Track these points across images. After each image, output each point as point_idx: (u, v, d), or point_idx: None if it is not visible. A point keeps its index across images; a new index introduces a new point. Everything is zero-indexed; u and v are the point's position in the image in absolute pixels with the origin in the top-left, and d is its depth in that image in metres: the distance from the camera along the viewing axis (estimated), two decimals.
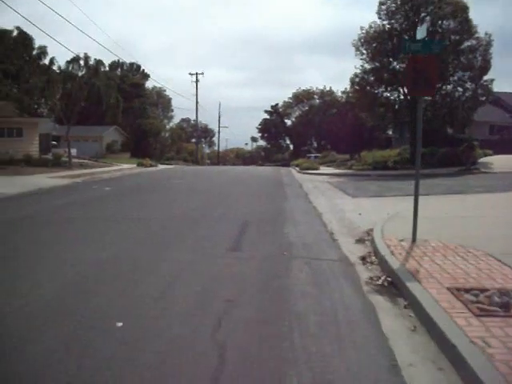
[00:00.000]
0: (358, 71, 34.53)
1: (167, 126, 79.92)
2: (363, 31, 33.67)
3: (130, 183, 23.77)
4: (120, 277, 6.53)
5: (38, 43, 34.15)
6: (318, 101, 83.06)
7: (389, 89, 33.97)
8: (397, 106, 34.82)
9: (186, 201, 15.66)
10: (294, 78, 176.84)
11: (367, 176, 28.00)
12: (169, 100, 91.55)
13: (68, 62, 36.09)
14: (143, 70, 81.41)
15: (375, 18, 33.98)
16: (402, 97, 34.14)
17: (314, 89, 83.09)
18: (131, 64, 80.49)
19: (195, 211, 13.08)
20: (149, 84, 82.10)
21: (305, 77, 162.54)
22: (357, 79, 34.69)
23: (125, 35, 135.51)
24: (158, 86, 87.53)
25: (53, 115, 41.00)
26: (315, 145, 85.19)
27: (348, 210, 13.46)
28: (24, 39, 29.76)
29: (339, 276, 6.74)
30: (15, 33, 29.38)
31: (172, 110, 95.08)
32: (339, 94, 74.94)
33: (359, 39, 33.91)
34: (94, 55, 48.46)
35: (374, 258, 7.82)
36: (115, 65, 78.63)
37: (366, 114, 37.65)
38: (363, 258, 7.78)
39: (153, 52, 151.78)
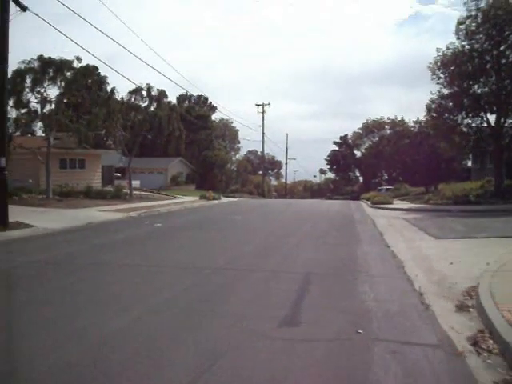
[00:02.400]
0: (435, 97, 31.77)
1: (233, 158, 78.87)
2: (440, 53, 30.99)
3: (185, 219, 21.99)
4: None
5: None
6: (388, 131, 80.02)
7: (470, 115, 30.91)
8: (479, 134, 31.65)
9: (240, 243, 13.49)
10: (364, 109, 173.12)
11: (448, 212, 25.00)
12: (236, 132, 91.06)
13: (130, 93, 35.51)
14: (210, 102, 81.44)
15: (445, 44, 31.33)
16: (485, 124, 31.03)
17: (385, 119, 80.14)
18: (199, 96, 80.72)
19: (247, 258, 10.87)
20: (216, 116, 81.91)
21: (374, 108, 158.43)
22: (433, 105, 31.86)
23: (193, 70, 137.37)
24: (225, 117, 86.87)
25: (119, 147, 40.53)
26: (386, 177, 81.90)
27: (435, 257, 10.93)
28: (84, 69, 29.02)
29: (446, 382, 4.36)
30: (75, 63, 28.62)
31: (239, 142, 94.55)
32: (411, 123, 71.71)
33: (435, 62, 31.21)
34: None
35: (490, 342, 5.35)
36: (183, 97, 79.11)
37: (443, 143, 34.51)
38: (475, 343, 5.31)
39: (221, 86, 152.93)
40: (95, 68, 30.96)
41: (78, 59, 28.92)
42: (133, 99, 35.90)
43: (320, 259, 10.61)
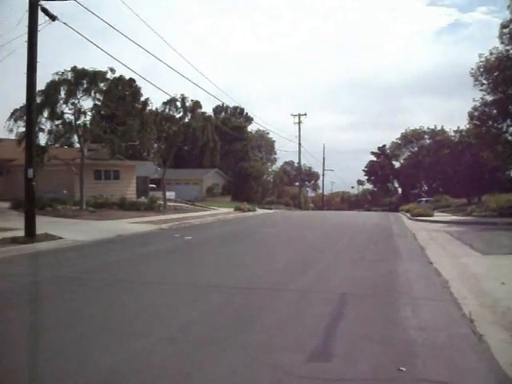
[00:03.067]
0: (478, 104, 30.43)
1: (270, 169, 78.20)
2: (482, 59, 29.70)
3: (217, 231, 21.38)
4: None
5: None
6: (428, 141, 78.10)
7: None
8: None
9: (271, 258, 12.70)
10: (402, 120, 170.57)
11: (493, 224, 23.69)
12: (272, 143, 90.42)
13: (164, 104, 35.25)
14: (246, 113, 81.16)
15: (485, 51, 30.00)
16: None
17: (425, 128, 78.24)
18: (234, 108, 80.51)
19: (277, 275, 10.05)
20: (252, 127, 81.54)
21: (413, 118, 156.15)
22: (476, 113, 30.55)
23: (231, 82, 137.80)
24: (261, 128, 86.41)
25: (154, 158, 40.43)
26: (425, 188, 79.92)
27: (483, 276, 9.96)
28: (118, 80, 28.87)
29: None
30: (109, 74, 28.49)
31: (275, 153, 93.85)
32: (451, 133, 69.83)
33: (478, 68, 29.91)
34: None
35: None
36: (219, 109, 79.09)
37: (486, 152, 33.03)
38: None
39: (257, 97, 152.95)
40: (132, 80, 30.93)
41: (112, 70, 28.82)
42: (167, 110, 35.63)
43: (357, 277, 9.75)
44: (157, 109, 35.56)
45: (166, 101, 35.25)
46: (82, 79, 28.12)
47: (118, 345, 5.46)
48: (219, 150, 38.43)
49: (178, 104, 35.57)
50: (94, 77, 28.03)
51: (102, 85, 29.06)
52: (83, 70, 28.07)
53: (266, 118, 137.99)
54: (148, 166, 45.47)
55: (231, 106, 78.69)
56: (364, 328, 6.15)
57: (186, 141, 36.60)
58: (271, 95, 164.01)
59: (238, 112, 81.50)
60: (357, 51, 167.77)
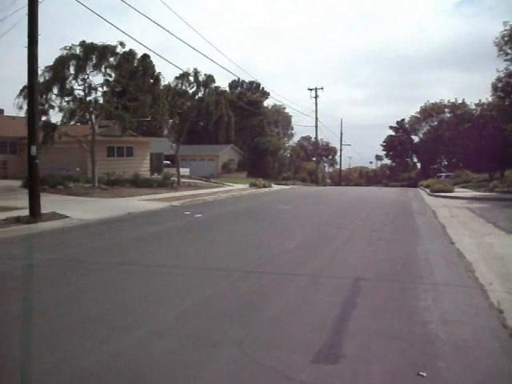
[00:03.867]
0: (502, 75, 29.20)
1: (286, 144, 77.14)
2: (507, 27, 28.36)
3: (230, 208, 20.72)
4: None
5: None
6: (448, 115, 76.35)
7: None
8: None
9: (284, 238, 11.96)
10: (421, 93, 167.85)
11: None
12: (289, 118, 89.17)
13: (177, 78, 34.38)
14: (262, 88, 79.91)
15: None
16: None
17: (446, 102, 76.38)
18: (250, 83, 79.34)
19: (287, 257, 9.38)
20: (268, 102, 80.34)
21: (433, 91, 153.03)
22: (500, 84, 29.32)
23: (246, 57, 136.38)
24: (278, 103, 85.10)
25: (170, 134, 39.72)
26: (445, 163, 78.47)
27: (510, 258, 9.22)
28: (128, 54, 28.05)
29: None
30: (119, 49, 27.68)
31: (292, 128, 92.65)
32: (473, 106, 68.10)
33: (502, 37, 28.62)
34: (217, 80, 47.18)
35: None
36: (235, 84, 78.04)
37: (510, 125, 31.78)
38: None
39: (274, 72, 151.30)
40: (146, 56, 30.15)
41: (122, 44, 27.96)
42: (180, 85, 34.79)
43: (373, 259, 9.03)
44: (169, 83, 34.84)
45: (178, 75, 34.41)
46: (91, 54, 27.28)
47: (95, 343, 4.84)
48: (233, 125, 37.52)
49: (191, 79, 34.65)
50: (104, 51, 27.18)
51: (111, 59, 28.29)
52: (92, 44, 27.24)
53: (282, 93, 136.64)
54: (163, 142, 44.91)
55: (247, 80, 77.62)
56: (379, 321, 5.46)
57: (200, 116, 35.85)
58: (287, 70, 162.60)
59: (254, 87, 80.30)
60: (372, 24, 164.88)
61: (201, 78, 34.84)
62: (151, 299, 6.48)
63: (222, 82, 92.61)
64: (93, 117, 29.02)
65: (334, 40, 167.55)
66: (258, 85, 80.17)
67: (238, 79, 74.57)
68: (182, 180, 36.40)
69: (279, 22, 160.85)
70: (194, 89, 35.13)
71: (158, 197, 24.77)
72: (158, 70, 31.21)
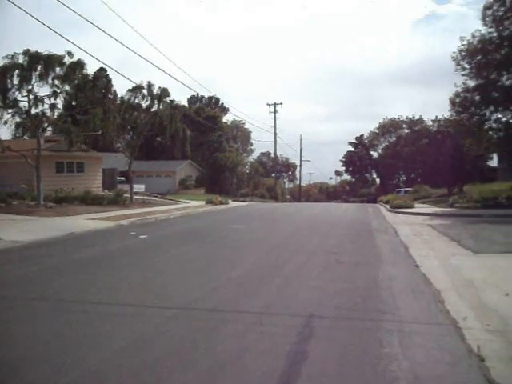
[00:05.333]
0: (460, 90, 28.81)
1: (245, 160, 76.09)
2: (464, 42, 28.06)
3: (180, 228, 19.39)
4: None
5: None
6: (406, 131, 77.05)
7: (500, 109, 27.91)
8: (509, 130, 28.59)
9: (230, 264, 10.69)
10: (381, 111, 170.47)
11: (478, 217, 22.08)
12: (248, 133, 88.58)
13: (130, 91, 32.99)
14: (222, 103, 79.12)
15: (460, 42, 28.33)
16: None
17: (404, 118, 77.06)
18: (210, 98, 78.48)
19: (232, 288, 8.12)
20: (228, 118, 79.51)
21: (392, 109, 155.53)
22: (458, 99, 28.92)
23: (205, 73, 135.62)
24: (237, 119, 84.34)
25: (125, 150, 38.04)
26: (404, 178, 78.95)
27: (481, 284, 8.23)
28: (75, 65, 26.58)
29: None
30: (66, 59, 26.21)
31: (251, 144, 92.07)
32: (430, 122, 68.80)
33: (460, 52, 28.26)
34: (174, 93, 45.95)
35: None
36: (194, 99, 76.95)
37: (469, 140, 31.44)
38: None
39: (234, 89, 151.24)
40: (102, 69, 28.93)
41: (70, 54, 26.49)
42: (133, 98, 33.38)
43: (329, 290, 7.84)
44: (122, 97, 33.44)
45: (131, 88, 33.05)
46: (35, 64, 25.78)
47: None
48: (189, 139, 36.39)
49: (145, 92, 33.36)
50: (49, 60, 25.72)
51: (58, 70, 26.79)
52: (37, 53, 25.70)
53: (242, 109, 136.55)
54: (118, 157, 43.26)
55: (206, 96, 76.74)
56: (332, 381, 4.30)
57: (153, 130, 34.56)
58: (247, 87, 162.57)
59: (214, 102, 79.58)
60: (332, 43, 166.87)
61: (155, 92, 33.63)
62: (41, 350, 5.14)
63: (181, 98, 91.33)
64: (38, 130, 27.35)
65: (294, 58, 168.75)
66: (218, 100, 79.56)
67: (197, 94, 73.63)
68: (136, 197, 34.88)
69: (241, 39, 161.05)
70: (148, 102, 33.86)
71: (106, 215, 23.26)
72: (116, 86, 30.05)
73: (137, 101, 33.41)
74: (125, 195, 32.51)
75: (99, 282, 8.72)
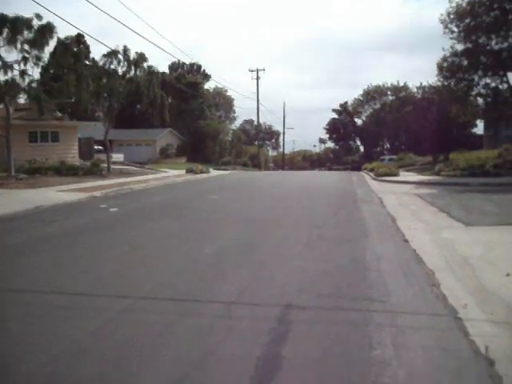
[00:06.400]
0: (447, 54, 27.86)
1: (228, 128, 74.57)
2: (453, 4, 26.99)
3: (155, 199, 18.35)
4: None
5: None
6: (391, 97, 76.06)
7: (489, 73, 27.02)
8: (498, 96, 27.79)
9: (202, 239, 9.79)
10: (365, 78, 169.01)
11: (466, 185, 21.40)
12: (231, 101, 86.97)
13: (104, 56, 31.39)
14: (204, 70, 77.14)
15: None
16: (505, 84, 27.22)
17: (389, 84, 75.95)
18: (191, 65, 76.40)
19: (201, 271, 7.18)
20: (210, 85, 77.70)
21: (376, 76, 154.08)
22: (445, 64, 27.97)
23: (189, 41, 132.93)
24: (219, 86, 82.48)
25: (105, 118, 36.53)
26: (388, 146, 78.34)
27: (477, 262, 7.43)
28: (44, 27, 25.03)
29: None
30: (35, 22, 24.66)
31: (234, 112, 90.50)
32: (414, 89, 67.98)
33: (448, 14, 27.24)
34: (157, 61, 44.23)
35: None
36: (175, 66, 74.86)
37: (455, 107, 30.56)
38: None
39: (217, 57, 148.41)
40: (80, 36, 27.48)
41: (38, 17, 24.95)
42: (108, 64, 31.81)
43: (311, 272, 6.95)
44: (96, 62, 31.88)
45: (106, 53, 31.48)
46: (1, 27, 24.23)
47: None
48: (167, 106, 35.03)
49: (121, 57, 31.81)
50: (16, 24, 24.15)
51: (26, 33, 25.27)
52: (2, 15, 24.13)
53: (224, 76, 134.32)
54: (97, 126, 41.74)
55: (187, 63, 74.73)
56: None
57: (130, 97, 33.17)
58: (230, 53, 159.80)
59: (195, 69, 77.53)
60: (318, 11, 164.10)
61: (132, 57, 32.09)
62: None
63: (163, 65, 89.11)
64: (7, 98, 25.90)
65: (278, 24, 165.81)
66: (200, 67, 77.54)
67: (179, 61, 71.73)
68: (114, 167, 33.72)
69: (224, 6, 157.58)
70: (124, 68, 32.35)
71: (80, 186, 22.21)
72: (97, 54, 28.65)
73: (112, 66, 31.92)
74: (102, 165, 31.39)
75: (55, 265, 7.74)
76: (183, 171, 36.48)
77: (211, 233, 10.64)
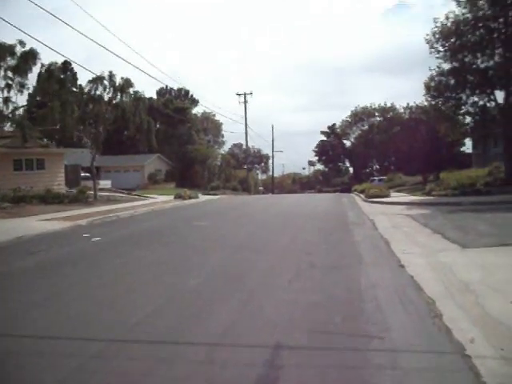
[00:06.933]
0: (434, 73, 27.80)
1: (216, 152, 74.26)
2: (438, 24, 27.04)
3: (142, 226, 17.80)
4: None
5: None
6: (378, 119, 76.37)
7: (476, 92, 26.92)
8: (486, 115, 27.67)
9: (187, 270, 9.24)
10: (353, 100, 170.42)
11: (458, 205, 21.07)
12: (219, 125, 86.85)
13: (90, 82, 31.06)
14: (191, 95, 77.16)
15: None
16: (492, 103, 27.13)
17: (376, 106, 76.29)
18: (179, 90, 76.40)
19: (183, 306, 6.65)
20: (198, 110, 77.68)
21: (364, 98, 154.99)
22: (432, 83, 27.88)
23: (176, 66, 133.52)
24: (207, 111, 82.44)
25: (92, 145, 36.06)
26: (377, 167, 78.39)
27: (479, 287, 6.98)
28: (27, 54, 24.77)
29: None
30: (18, 48, 24.45)
31: (223, 136, 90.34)
32: (402, 110, 68.32)
33: (433, 34, 27.26)
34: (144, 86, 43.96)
35: None
36: (163, 92, 74.83)
37: (444, 126, 30.37)
38: None
39: (205, 82, 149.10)
40: (67, 63, 27.25)
41: (21, 43, 24.82)
42: (93, 90, 31.46)
43: (302, 305, 6.43)
44: (81, 88, 31.56)
45: (91, 79, 31.14)
46: None
47: None
48: (154, 131, 34.67)
49: (106, 83, 31.50)
50: None
51: (9, 59, 25.02)
52: None
53: (213, 100, 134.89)
54: (85, 153, 41.34)
55: (175, 88, 74.80)
56: None
57: (116, 123, 32.78)
58: (218, 79, 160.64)
59: (183, 94, 77.59)
60: (303, 34, 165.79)
61: (118, 82, 31.79)
62: None
63: (151, 91, 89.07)
64: None
65: (266, 49, 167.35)
66: (187, 92, 77.57)
67: (166, 87, 71.70)
68: (101, 194, 33.17)
69: (211, 31, 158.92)
70: (110, 94, 32.01)
71: (64, 215, 21.62)
72: (84, 80, 28.41)
73: (98, 92, 31.57)
74: (88, 192, 30.84)
75: (27, 304, 7.14)
76: (171, 197, 36.01)
77: (196, 262, 10.05)
